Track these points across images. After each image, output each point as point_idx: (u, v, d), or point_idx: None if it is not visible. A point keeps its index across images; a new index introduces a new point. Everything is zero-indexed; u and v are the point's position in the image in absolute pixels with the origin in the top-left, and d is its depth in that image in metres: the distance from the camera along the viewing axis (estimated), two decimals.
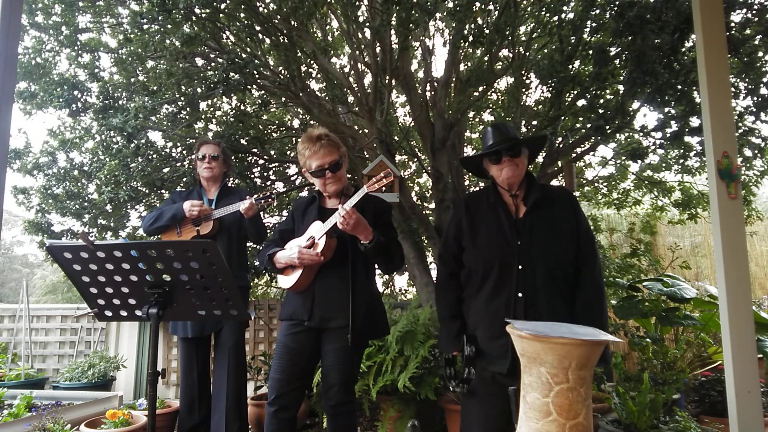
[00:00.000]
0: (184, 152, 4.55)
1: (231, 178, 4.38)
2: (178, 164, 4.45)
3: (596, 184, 6.24)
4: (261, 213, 3.22)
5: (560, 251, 1.94)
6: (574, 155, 4.91)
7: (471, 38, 3.88)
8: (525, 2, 4.56)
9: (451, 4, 3.99)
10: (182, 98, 4.22)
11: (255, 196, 2.85)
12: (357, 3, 3.91)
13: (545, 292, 1.88)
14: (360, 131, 4.76)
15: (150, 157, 4.20)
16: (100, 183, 3.98)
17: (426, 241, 5.01)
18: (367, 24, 4.05)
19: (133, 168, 4.04)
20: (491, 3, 4.08)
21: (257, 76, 4.04)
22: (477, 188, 5.06)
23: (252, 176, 4.84)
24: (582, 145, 4.79)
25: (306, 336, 2.24)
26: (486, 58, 4.36)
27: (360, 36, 4.32)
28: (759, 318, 3.11)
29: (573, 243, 1.95)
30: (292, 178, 5.31)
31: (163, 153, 4.45)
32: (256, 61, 3.83)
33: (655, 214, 6.17)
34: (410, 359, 3.15)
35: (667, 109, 4.21)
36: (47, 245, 1.78)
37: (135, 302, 1.81)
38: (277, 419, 2.19)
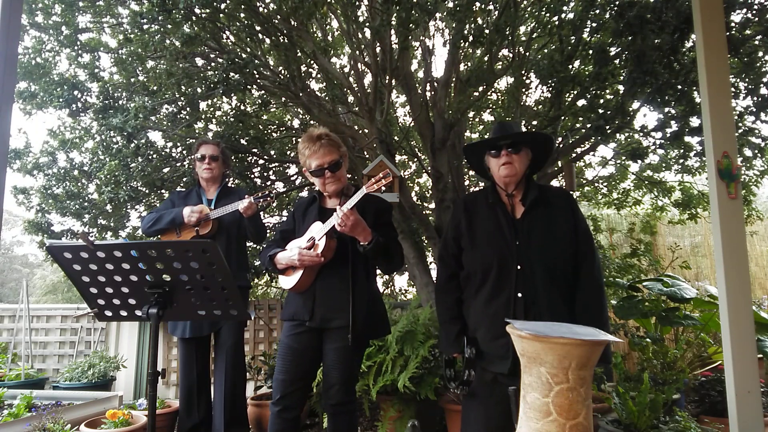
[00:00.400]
0: (184, 152, 4.55)
1: (231, 178, 4.39)
2: (178, 164, 4.45)
3: (596, 184, 6.24)
4: (260, 213, 3.22)
5: (559, 251, 1.94)
6: (574, 155, 4.91)
7: (471, 38, 3.88)
8: (525, 2, 4.56)
9: (451, 4, 3.99)
10: (182, 98, 4.22)
11: (254, 195, 2.85)
12: (357, 3, 3.91)
13: (545, 292, 1.88)
14: (360, 131, 4.76)
15: (150, 157, 4.21)
16: (100, 183, 3.98)
17: (426, 241, 5.01)
18: (367, 24, 4.05)
19: (133, 168, 4.04)
20: (491, 3, 4.08)
21: (257, 76, 4.04)
22: (477, 188, 5.07)
23: (252, 176, 4.84)
24: (582, 145, 4.79)
25: (308, 336, 2.24)
26: (486, 58, 4.36)
27: (360, 36, 4.32)
28: (759, 318, 3.11)
29: (571, 243, 1.95)
30: (292, 178, 5.31)
31: (163, 153, 4.45)
32: (256, 61, 3.83)
33: (655, 214, 6.17)
34: (410, 359, 3.15)
35: (667, 109, 4.21)
36: (47, 245, 1.78)
37: (135, 302, 1.80)
38: (281, 419, 2.20)
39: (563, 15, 4.22)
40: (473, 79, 4.29)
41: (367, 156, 4.54)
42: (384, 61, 3.91)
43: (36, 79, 4.35)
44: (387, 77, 4.05)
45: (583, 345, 1.10)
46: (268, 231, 4.58)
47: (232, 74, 3.67)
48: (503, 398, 1.85)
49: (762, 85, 4.03)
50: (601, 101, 4.27)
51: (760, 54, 4.04)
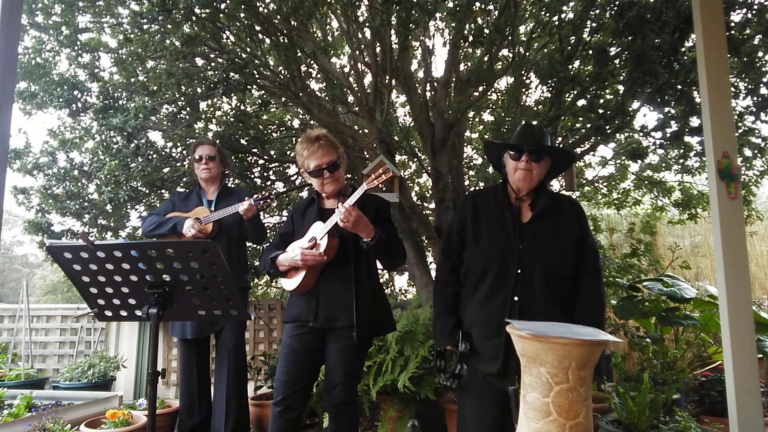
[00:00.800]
0: (184, 152, 4.55)
1: (230, 178, 4.39)
2: (178, 164, 4.45)
3: (596, 184, 6.24)
4: (260, 213, 3.22)
5: (561, 260, 1.94)
6: None
7: (471, 38, 3.88)
8: (525, 2, 4.56)
9: (451, 4, 3.99)
10: (182, 98, 4.21)
11: (254, 197, 2.84)
12: (357, 3, 3.91)
13: (542, 299, 1.89)
14: (360, 131, 4.76)
15: (150, 157, 4.20)
16: (100, 183, 3.98)
17: (426, 241, 5.01)
18: (367, 24, 4.05)
19: (133, 168, 4.04)
20: (491, 3, 4.08)
21: (257, 76, 4.04)
22: (476, 188, 5.06)
23: (252, 176, 4.84)
24: (582, 145, 4.79)
25: (310, 337, 2.24)
26: (486, 58, 4.36)
27: (360, 36, 4.32)
28: (759, 318, 3.11)
29: (575, 254, 1.96)
30: (292, 178, 5.31)
31: (163, 153, 4.45)
32: (256, 61, 3.83)
33: (655, 214, 6.17)
34: (410, 359, 3.15)
35: (667, 109, 4.21)
36: (47, 245, 1.78)
37: (135, 302, 1.80)
38: (282, 420, 2.21)
39: (563, 15, 4.23)
40: (473, 79, 4.29)
41: (367, 156, 4.54)
42: (384, 61, 3.91)
43: (36, 79, 4.35)
44: (387, 77, 4.05)
45: (583, 345, 1.10)
46: (268, 232, 4.58)
47: (232, 74, 3.67)
48: (497, 395, 1.86)
49: (762, 85, 4.03)
50: (601, 101, 4.27)
51: (760, 54, 4.04)
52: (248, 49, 4.34)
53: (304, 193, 5.18)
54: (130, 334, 5.07)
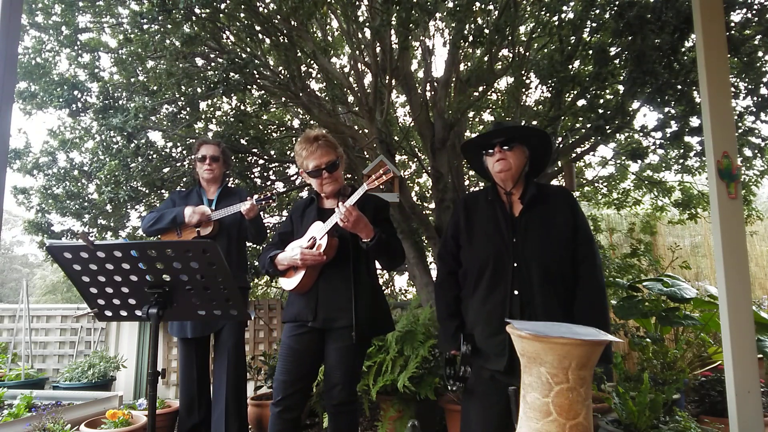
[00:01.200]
0: (184, 152, 4.55)
1: (231, 178, 4.38)
2: (178, 164, 4.45)
3: (596, 184, 6.24)
4: (261, 213, 3.22)
5: (555, 249, 1.93)
6: (574, 155, 4.91)
7: (471, 38, 3.88)
8: (525, 2, 4.56)
9: (451, 4, 3.99)
10: (182, 98, 4.22)
11: (255, 197, 2.84)
12: (357, 3, 3.91)
13: (540, 290, 1.88)
14: (360, 131, 4.76)
15: (150, 157, 4.20)
16: (100, 183, 3.98)
17: (426, 241, 5.01)
18: (367, 24, 4.05)
19: (133, 168, 4.04)
20: (491, 3, 4.08)
21: (257, 76, 4.04)
22: (477, 188, 5.07)
23: (252, 176, 4.84)
24: (582, 145, 4.79)
25: (309, 337, 2.24)
26: (486, 58, 4.36)
27: (360, 36, 4.32)
28: (759, 318, 3.11)
29: (570, 241, 1.94)
30: (292, 178, 5.31)
31: (163, 153, 4.45)
32: (256, 61, 3.83)
33: (655, 214, 6.17)
34: (410, 359, 3.15)
35: (667, 109, 4.21)
36: (47, 245, 1.78)
37: (135, 302, 1.80)
38: (281, 420, 2.20)
39: (563, 15, 4.23)
40: (473, 79, 4.29)
41: (367, 156, 4.54)
42: (384, 61, 3.91)
43: (36, 79, 4.35)
44: (387, 77, 4.05)
45: (583, 345, 1.10)
46: (269, 232, 4.58)
47: (232, 74, 3.67)
48: (502, 397, 1.85)
49: (762, 85, 4.03)
50: (601, 101, 4.27)
51: (760, 54, 4.04)
52: (248, 49, 4.34)
53: (304, 193, 5.18)
54: (130, 334, 5.07)
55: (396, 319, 3.63)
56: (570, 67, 4.24)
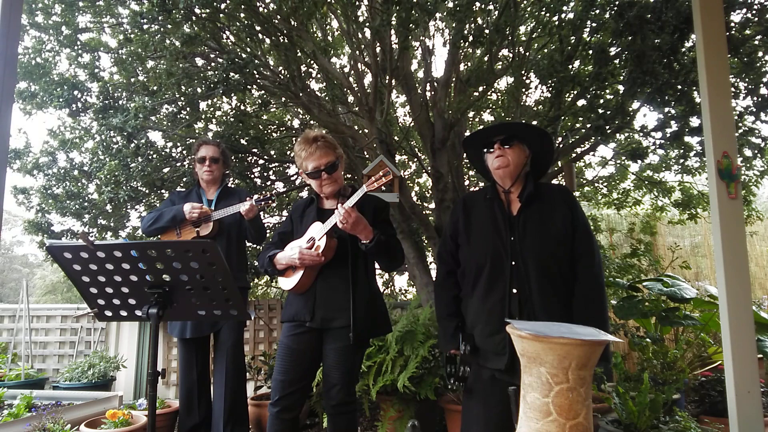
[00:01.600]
0: (184, 152, 4.55)
1: (231, 178, 4.39)
2: (178, 164, 4.46)
3: (596, 184, 6.24)
4: (260, 213, 3.22)
5: (553, 247, 1.92)
6: (574, 155, 4.91)
7: (471, 38, 3.88)
8: (525, 2, 4.56)
9: (451, 4, 3.99)
10: (182, 98, 4.22)
11: (255, 197, 2.84)
12: (357, 3, 3.91)
13: (539, 288, 1.87)
14: (360, 131, 4.76)
15: (150, 157, 4.21)
16: (100, 183, 3.98)
17: (426, 241, 5.01)
18: (367, 24, 4.05)
19: (133, 168, 4.04)
20: (491, 3, 4.08)
21: (257, 76, 4.04)
22: (477, 188, 5.07)
23: (252, 176, 4.84)
24: (582, 145, 4.80)
25: (308, 337, 2.24)
26: (486, 58, 4.36)
27: (360, 36, 4.32)
28: (759, 318, 3.11)
29: (568, 239, 1.94)
30: (292, 178, 5.31)
31: (163, 153, 4.46)
32: (256, 61, 3.83)
33: (655, 214, 6.17)
34: (410, 359, 3.15)
35: (667, 109, 4.21)
36: (47, 245, 1.78)
37: (135, 302, 1.80)
38: (280, 420, 2.20)
39: (563, 15, 4.23)
40: (473, 79, 4.30)
41: (367, 156, 4.54)
42: (384, 61, 3.91)
43: (36, 79, 4.35)
44: (387, 77, 4.05)
45: (583, 345, 1.10)
46: (268, 232, 4.58)
47: (232, 74, 3.67)
48: (502, 396, 1.85)
49: (762, 85, 4.03)
50: (601, 101, 4.27)
51: (760, 54, 4.04)
52: (248, 49, 4.34)
53: (304, 193, 5.18)
54: (130, 334, 5.07)
55: (396, 319, 3.63)
56: (570, 67, 4.24)
